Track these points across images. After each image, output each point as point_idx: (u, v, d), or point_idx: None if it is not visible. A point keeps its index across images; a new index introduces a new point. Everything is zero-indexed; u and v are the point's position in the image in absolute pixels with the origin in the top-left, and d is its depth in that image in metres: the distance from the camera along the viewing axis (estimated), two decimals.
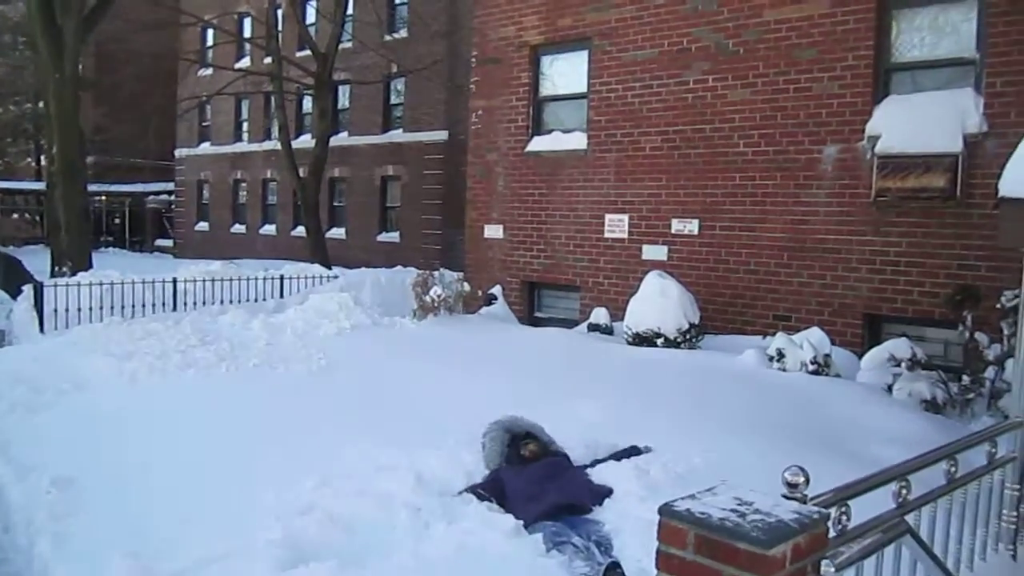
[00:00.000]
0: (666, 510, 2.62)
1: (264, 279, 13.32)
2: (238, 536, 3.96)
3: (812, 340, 8.03)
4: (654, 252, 10.56)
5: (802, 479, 2.84)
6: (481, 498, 4.51)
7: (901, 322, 8.85)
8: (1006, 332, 7.26)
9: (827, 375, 7.88)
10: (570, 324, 11.16)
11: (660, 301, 9.25)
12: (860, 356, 8.82)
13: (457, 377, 7.51)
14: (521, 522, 4.07)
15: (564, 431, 5.51)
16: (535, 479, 4.61)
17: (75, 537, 4.44)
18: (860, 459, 5.76)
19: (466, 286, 10.96)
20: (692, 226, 10.23)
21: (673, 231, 10.41)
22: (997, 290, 7.62)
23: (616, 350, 9.07)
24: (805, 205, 9.37)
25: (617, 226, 10.92)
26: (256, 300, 12.85)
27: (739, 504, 2.64)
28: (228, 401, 6.63)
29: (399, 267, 15.07)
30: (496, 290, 12.02)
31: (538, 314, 12.09)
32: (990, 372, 7.33)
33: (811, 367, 7.86)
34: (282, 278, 13.50)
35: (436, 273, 10.97)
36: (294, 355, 8.27)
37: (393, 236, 24.31)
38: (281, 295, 13.16)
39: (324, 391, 6.94)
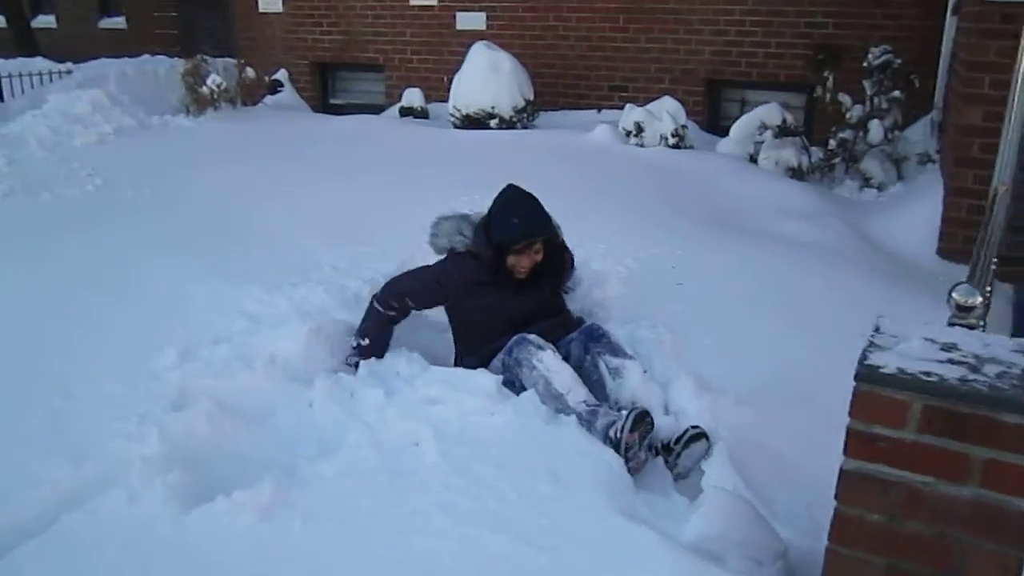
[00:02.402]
0: (873, 375, 1.74)
1: None
2: (95, 458, 2.64)
3: (669, 110, 7.34)
4: (470, 20, 9.21)
5: (979, 299, 2.08)
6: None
7: (744, 87, 8.40)
8: (869, 92, 6.94)
9: (685, 148, 7.30)
10: (375, 110, 9.76)
11: (491, 77, 8.11)
12: (702, 125, 8.38)
13: (277, 182, 6.08)
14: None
15: None
16: (525, 313, 3.35)
17: None
18: (771, 236, 5.29)
19: (250, 72, 9.11)
20: None
21: None
22: (846, 48, 7.25)
23: (447, 135, 7.93)
24: None
25: None
26: None
27: (949, 350, 1.82)
28: None
29: (146, 56, 12.51)
30: (281, 75, 10.22)
31: (334, 100, 10.49)
32: (848, 134, 7.06)
33: (671, 140, 7.22)
34: None
35: (210, 60, 8.99)
36: (54, 175, 6.35)
37: (118, 21, 20.38)
38: (1, 99, 10.44)
39: (119, 219, 5.27)
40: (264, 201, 5.57)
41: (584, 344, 3.17)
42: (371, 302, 3.50)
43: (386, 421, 2.78)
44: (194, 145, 7.56)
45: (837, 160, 7.00)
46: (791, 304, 3.78)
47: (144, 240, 4.68)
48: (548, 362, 3.05)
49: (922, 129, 7.34)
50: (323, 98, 10.45)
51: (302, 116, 9.38)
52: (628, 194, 5.94)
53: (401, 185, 5.91)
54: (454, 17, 9.29)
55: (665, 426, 2.76)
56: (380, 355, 3.39)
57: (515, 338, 3.17)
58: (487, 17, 9.13)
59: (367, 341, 3.41)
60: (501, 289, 3.39)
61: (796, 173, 6.95)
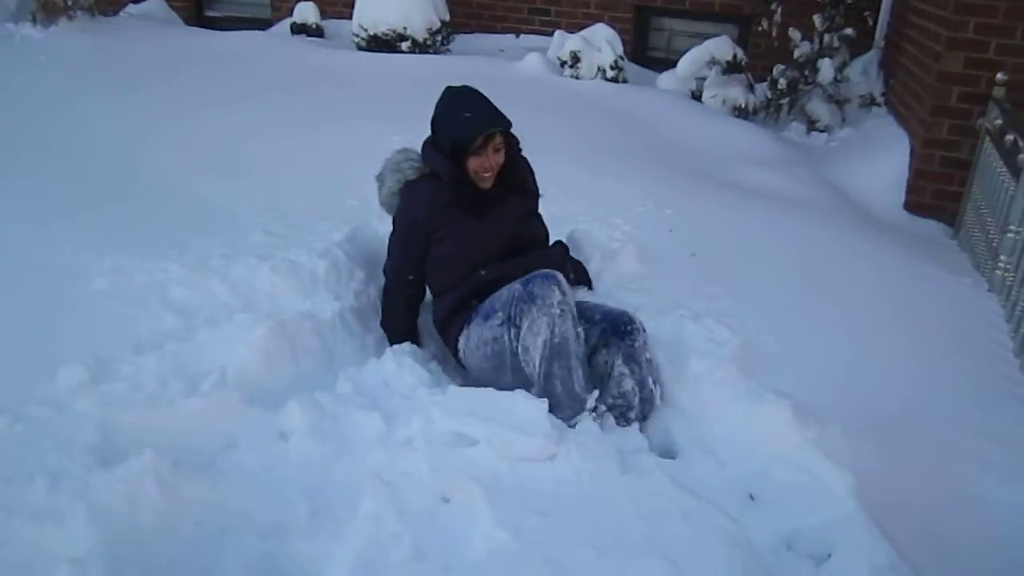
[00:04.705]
0: None
1: None
2: None
3: (607, 39, 6.67)
4: None
5: None
6: None
7: (673, 15, 7.81)
8: (819, 27, 6.48)
9: (624, 81, 6.67)
10: (258, 24, 8.58)
11: None
12: (629, 56, 7.75)
13: (163, 114, 5.08)
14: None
15: None
16: (503, 238, 2.85)
17: None
18: (748, 189, 4.77)
19: None
20: None
21: None
22: None
23: (356, 59, 6.99)
24: None
25: None
26: None
27: None
28: None
29: None
30: None
31: (210, 12, 9.18)
32: (793, 72, 6.61)
33: (610, 73, 6.57)
34: None
35: None
36: None
37: None
38: None
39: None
40: (153, 140, 4.58)
41: (604, 337, 2.65)
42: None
43: (403, 469, 2.08)
44: (49, 64, 6.29)
45: (785, 100, 6.55)
46: (825, 280, 3.31)
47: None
48: (568, 313, 2.51)
49: (862, 68, 6.97)
50: (198, 8, 9.12)
51: (175, 30, 8.11)
52: (585, 134, 5.32)
53: (322, 124, 5.05)
54: None
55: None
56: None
57: (542, 272, 2.59)
58: None
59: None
60: (469, 209, 2.83)
61: (742, 112, 6.49)
